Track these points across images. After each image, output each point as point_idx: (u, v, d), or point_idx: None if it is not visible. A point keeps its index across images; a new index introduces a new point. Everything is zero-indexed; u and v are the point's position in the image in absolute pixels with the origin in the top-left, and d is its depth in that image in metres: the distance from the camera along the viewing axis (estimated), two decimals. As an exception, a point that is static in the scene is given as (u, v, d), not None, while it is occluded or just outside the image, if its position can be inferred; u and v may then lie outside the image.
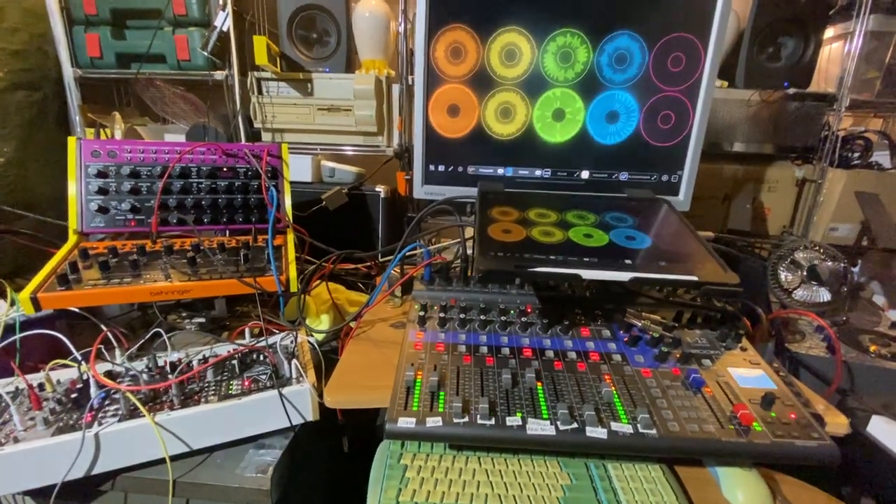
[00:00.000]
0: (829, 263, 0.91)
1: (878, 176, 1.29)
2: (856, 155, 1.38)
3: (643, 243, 0.55)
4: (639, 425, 0.48)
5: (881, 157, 1.40)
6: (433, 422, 0.48)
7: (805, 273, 0.90)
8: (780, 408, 0.52)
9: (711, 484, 0.58)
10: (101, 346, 0.71)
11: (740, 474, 0.57)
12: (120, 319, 0.94)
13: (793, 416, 0.51)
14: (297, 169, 1.14)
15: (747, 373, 0.57)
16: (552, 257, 0.51)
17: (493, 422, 0.48)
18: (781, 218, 1.38)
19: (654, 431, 0.48)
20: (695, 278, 0.46)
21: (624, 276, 0.48)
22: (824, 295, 0.90)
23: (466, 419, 0.48)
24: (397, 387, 0.52)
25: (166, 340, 0.71)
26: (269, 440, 0.68)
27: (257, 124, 1.28)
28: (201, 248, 0.76)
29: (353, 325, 0.76)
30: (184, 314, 0.98)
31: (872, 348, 0.86)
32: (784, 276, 0.90)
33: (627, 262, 0.51)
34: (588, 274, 0.48)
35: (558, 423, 0.48)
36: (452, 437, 0.47)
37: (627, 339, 0.61)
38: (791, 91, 1.31)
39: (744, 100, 1.32)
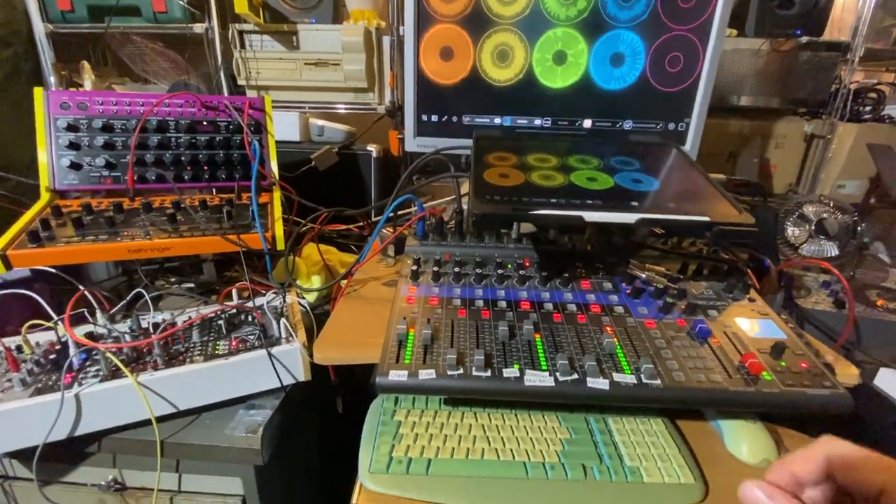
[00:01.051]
0: (838, 217, 0.88)
1: (890, 130, 1.24)
2: (867, 108, 1.33)
3: (651, 186, 0.51)
4: (642, 375, 0.46)
5: (893, 110, 1.34)
6: (426, 374, 0.45)
7: (813, 227, 0.86)
8: (790, 357, 0.49)
9: (714, 437, 0.57)
10: (85, 310, 0.69)
11: (744, 426, 0.55)
12: (106, 284, 0.91)
13: (804, 365, 0.48)
14: (285, 127, 1.09)
15: (756, 323, 0.55)
16: (553, 200, 0.47)
17: (489, 374, 0.45)
18: (788, 175, 1.34)
19: (658, 382, 0.45)
20: (706, 218, 0.43)
21: (630, 217, 0.45)
22: (832, 250, 0.87)
23: (461, 371, 0.46)
24: (389, 340, 0.49)
25: (149, 301, 0.68)
26: (260, 401, 0.66)
27: (241, 81, 1.21)
28: (182, 205, 0.72)
29: (343, 284, 0.73)
30: (172, 279, 0.96)
31: (879, 302, 0.84)
32: (791, 230, 0.87)
33: (634, 204, 0.47)
34: (591, 216, 0.45)
35: (557, 374, 0.46)
36: (447, 390, 0.45)
37: (630, 292, 0.58)
38: (804, 40, 1.24)
39: (753, 49, 1.25)
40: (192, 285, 0.93)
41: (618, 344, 0.49)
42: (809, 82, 1.30)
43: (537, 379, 0.45)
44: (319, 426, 0.80)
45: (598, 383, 0.45)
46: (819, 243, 0.87)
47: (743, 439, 0.55)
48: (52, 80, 1.31)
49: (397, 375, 0.45)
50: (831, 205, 0.88)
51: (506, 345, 0.49)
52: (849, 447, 0.26)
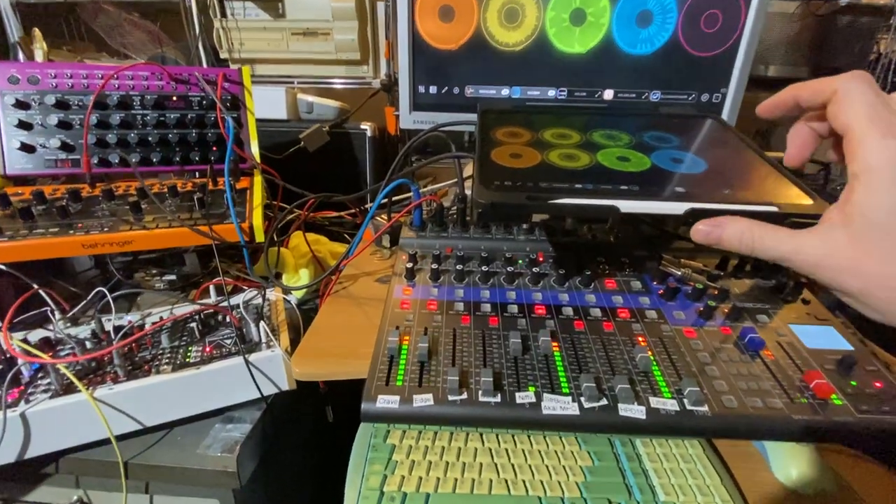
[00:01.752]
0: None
1: (935, 102, 1.13)
2: (909, 80, 1.21)
3: (697, 167, 0.42)
4: (686, 401, 0.38)
5: (939, 81, 1.23)
6: (422, 400, 0.37)
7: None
8: (860, 375, 0.41)
9: (757, 460, 0.49)
10: (50, 309, 0.61)
11: (792, 448, 0.47)
12: (81, 278, 0.83)
13: (878, 384, 0.40)
14: (270, 104, 0.99)
15: (814, 330, 0.46)
16: (577, 186, 0.38)
17: (498, 399, 0.37)
18: (820, 152, 1.23)
19: (705, 408, 0.37)
20: (775, 208, 0.34)
21: (677, 207, 0.36)
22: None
23: (464, 396, 0.37)
24: (377, 356, 0.41)
25: (111, 302, 0.60)
26: (240, 412, 0.59)
27: (223, 54, 1.11)
28: (148, 192, 0.64)
29: (333, 279, 0.64)
30: (154, 272, 0.88)
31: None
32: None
33: (679, 190, 0.38)
34: (627, 206, 0.36)
35: (582, 398, 0.37)
36: (447, 419, 0.37)
37: (663, 292, 0.50)
38: (843, 2, 1.12)
39: (787, 13, 1.13)
40: (173, 278, 0.85)
41: (653, 359, 0.41)
42: (846, 51, 1.18)
43: (558, 405, 0.37)
44: (308, 438, 0.72)
45: (633, 411, 0.37)
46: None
47: (791, 463, 0.47)
48: (20, 55, 1.21)
49: (387, 401, 0.37)
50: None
51: (518, 361, 0.41)
52: (866, 96, 0.28)
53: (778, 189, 0.38)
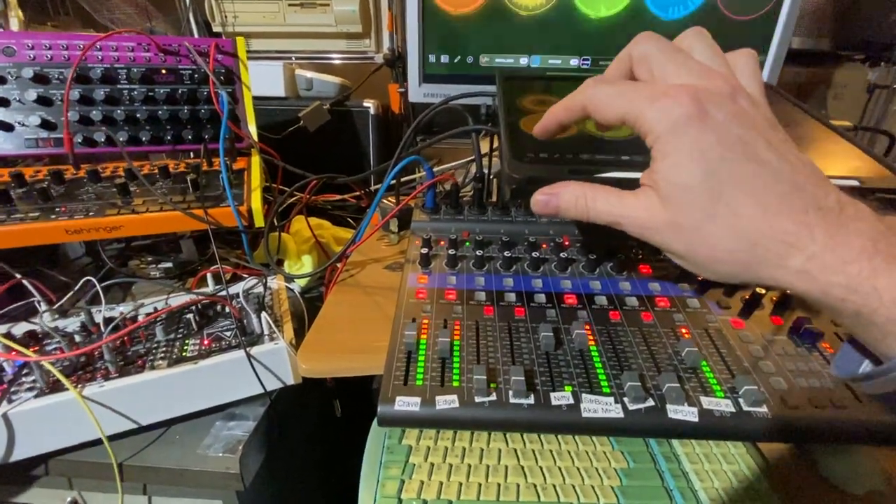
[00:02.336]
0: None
1: (971, 76, 1.07)
2: (942, 52, 1.15)
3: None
4: (742, 401, 0.33)
5: (974, 53, 1.16)
6: (446, 402, 0.33)
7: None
8: (931, 368, 0.37)
9: (803, 459, 0.45)
10: (37, 300, 0.57)
11: (842, 447, 0.44)
12: (72, 267, 0.79)
13: (953, 380, 0.36)
14: (267, 80, 0.93)
15: (873, 320, 0.42)
16: (624, 157, 0.34)
17: (531, 400, 0.33)
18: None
19: (764, 409, 0.33)
20: (855, 182, 0.29)
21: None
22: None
23: (494, 397, 0.33)
24: (394, 351, 0.37)
25: (100, 292, 0.56)
26: (242, 409, 0.55)
27: (216, 27, 1.04)
28: (137, 173, 0.59)
29: (339, 266, 0.60)
30: (149, 259, 0.83)
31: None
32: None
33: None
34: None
35: (626, 399, 0.33)
36: (475, 423, 0.33)
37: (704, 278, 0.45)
38: (877, -34, 1.05)
39: (815, -19, 1.06)
40: (169, 265, 0.81)
41: (702, 353, 0.37)
42: (875, 21, 1.12)
43: (599, 407, 0.33)
44: (315, 433, 0.69)
45: (684, 412, 0.32)
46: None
47: (842, 463, 0.43)
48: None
49: (407, 403, 0.33)
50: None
51: (551, 357, 0.37)
52: (606, 90, 0.29)
53: (852, 161, 0.33)
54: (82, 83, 0.63)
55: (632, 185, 0.29)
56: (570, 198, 0.30)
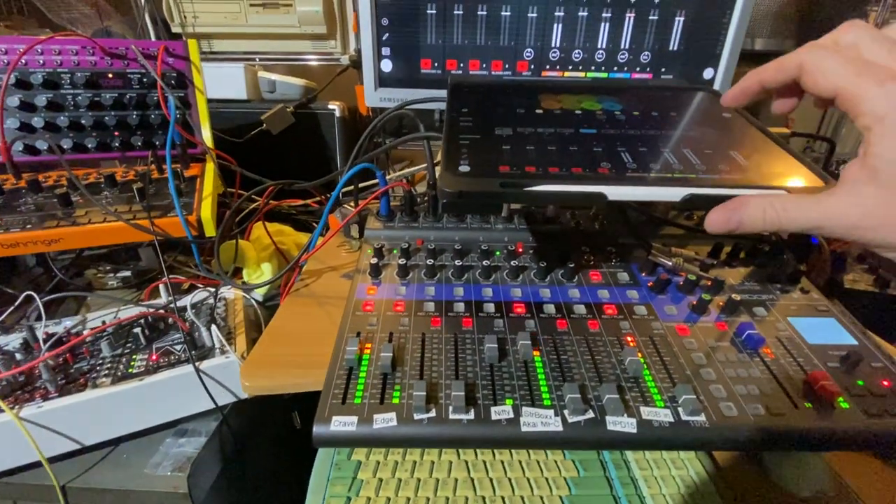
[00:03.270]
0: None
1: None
2: None
3: (692, 145, 0.37)
4: (680, 409, 0.33)
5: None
6: (383, 420, 0.32)
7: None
8: (866, 372, 0.37)
9: (753, 462, 0.46)
10: None
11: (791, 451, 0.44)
12: (26, 278, 0.76)
13: (886, 383, 0.37)
14: (228, 82, 0.91)
15: (815, 323, 0.42)
16: (555, 171, 0.33)
17: (471, 415, 0.33)
18: (807, 130, 1.20)
19: (702, 418, 0.33)
20: (782, 192, 0.29)
21: (672, 192, 0.31)
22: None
23: (433, 413, 0.33)
24: (334, 369, 0.36)
25: (41, 308, 0.54)
26: (195, 424, 0.54)
27: (175, 28, 1.01)
28: (76, 182, 0.56)
29: (293, 276, 0.59)
30: (108, 268, 0.81)
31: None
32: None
33: (674, 172, 0.33)
34: (616, 192, 0.31)
35: (566, 412, 0.33)
36: (413, 441, 0.32)
37: (653, 284, 0.45)
38: (834, -30, 1.07)
39: (776, -17, 1.08)
40: (127, 274, 0.78)
41: (644, 362, 0.37)
42: (835, 23, 1.14)
43: (539, 421, 0.32)
44: (274, 447, 0.67)
45: (622, 424, 0.32)
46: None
47: (789, 466, 0.44)
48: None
49: (343, 423, 0.32)
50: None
51: (494, 369, 0.36)
52: (833, 58, 0.28)
53: (784, 169, 0.33)
54: (22, 88, 0.61)
55: (561, 197, 0.28)
56: (755, 212, 0.29)
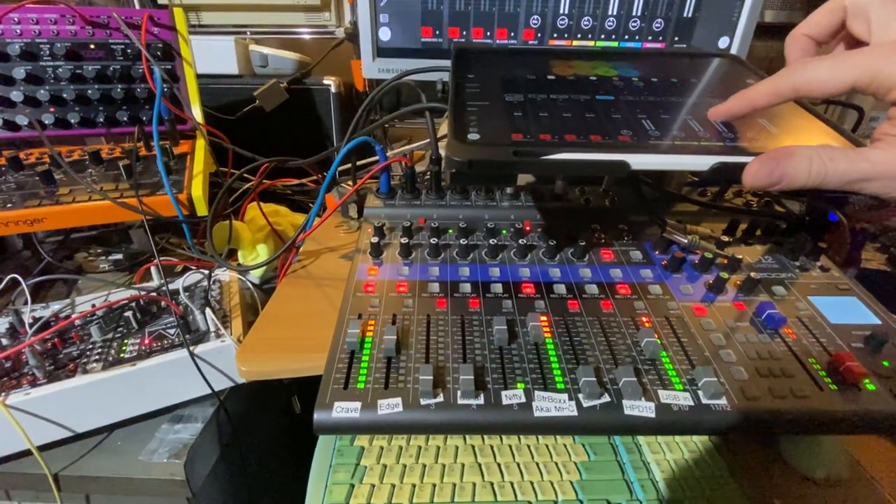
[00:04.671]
0: None
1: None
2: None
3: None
4: (700, 393, 0.32)
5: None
6: (389, 406, 0.30)
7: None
8: (892, 352, 0.36)
9: (767, 445, 0.45)
10: None
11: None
12: (14, 261, 0.74)
13: (912, 363, 0.35)
14: (218, 56, 0.87)
15: (836, 302, 0.41)
16: (572, 139, 0.31)
17: (481, 400, 0.31)
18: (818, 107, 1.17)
19: (723, 401, 0.31)
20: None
21: (699, 161, 0.29)
22: None
23: (440, 398, 0.31)
24: (335, 352, 0.34)
25: (26, 291, 0.51)
26: (191, 410, 0.52)
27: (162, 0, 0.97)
28: (59, 159, 0.53)
29: (290, 257, 0.56)
30: (99, 251, 0.78)
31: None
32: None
33: (701, 140, 0.31)
34: (640, 160, 0.28)
35: (581, 396, 0.31)
36: (419, 427, 0.31)
37: (667, 263, 0.44)
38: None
39: (789, -50, 1.04)
40: (119, 257, 0.76)
41: (661, 344, 0.35)
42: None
43: (552, 405, 0.31)
44: (273, 432, 0.66)
45: (640, 408, 0.31)
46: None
47: (805, 449, 0.43)
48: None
49: (346, 409, 0.30)
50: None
51: (504, 352, 0.34)
52: (825, 66, 0.27)
53: (816, 135, 0.31)
54: (-1, 60, 0.57)
55: (580, 166, 0.26)
56: (801, 163, 0.27)
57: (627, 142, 0.30)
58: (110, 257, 0.76)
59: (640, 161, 0.28)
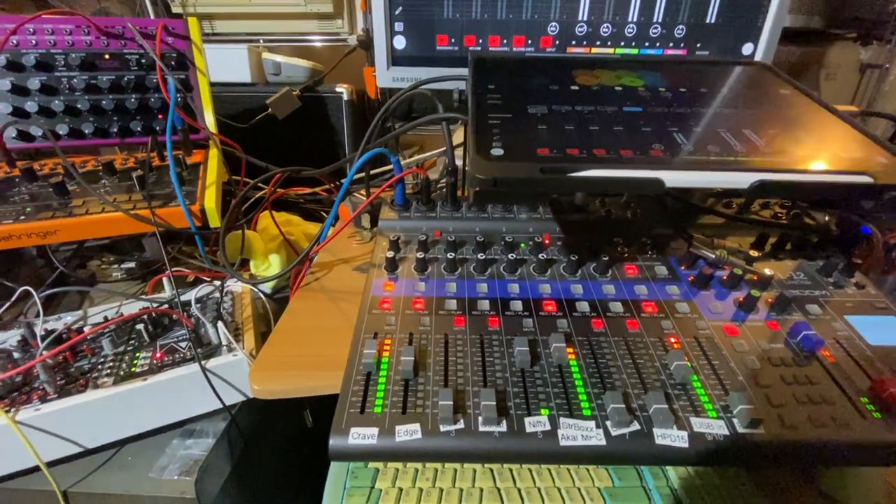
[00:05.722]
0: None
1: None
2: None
3: (753, 125, 0.33)
4: (736, 421, 0.30)
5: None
6: (407, 432, 0.29)
7: None
8: (938, 377, 0.34)
9: (799, 471, 0.43)
10: None
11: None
12: (27, 270, 0.74)
13: (960, 389, 0.33)
14: (232, 65, 0.87)
15: (874, 321, 0.39)
16: (608, 154, 0.29)
17: (503, 427, 0.30)
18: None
19: (760, 430, 0.30)
20: (867, 178, 0.25)
21: (739, 178, 0.27)
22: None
23: (461, 425, 0.30)
24: (351, 374, 0.33)
25: (38, 304, 0.51)
26: (202, 424, 0.51)
27: (176, 8, 0.97)
28: (72, 170, 0.53)
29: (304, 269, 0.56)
30: (112, 259, 0.78)
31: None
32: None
33: (738, 156, 0.29)
34: (674, 178, 0.27)
35: (608, 423, 0.30)
36: (440, 455, 0.29)
37: (694, 279, 0.42)
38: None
39: (810, -46, 1.02)
40: (132, 266, 0.76)
41: (691, 367, 0.33)
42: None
43: (579, 433, 0.29)
44: (284, 447, 0.65)
45: (672, 437, 0.29)
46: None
47: (844, 480, 0.41)
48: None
49: (363, 436, 0.29)
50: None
51: (526, 374, 0.33)
52: None
53: (864, 153, 0.29)
54: (14, 71, 0.57)
55: (612, 184, 0.25)
56: None
57: (660, 157, 0.28)
58: (123, 266, 0.76)
59: (675, 178, 0.27)
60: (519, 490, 0.38)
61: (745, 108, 0.35)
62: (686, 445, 0.29)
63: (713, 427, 0.30)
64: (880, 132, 0.80)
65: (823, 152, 0.29)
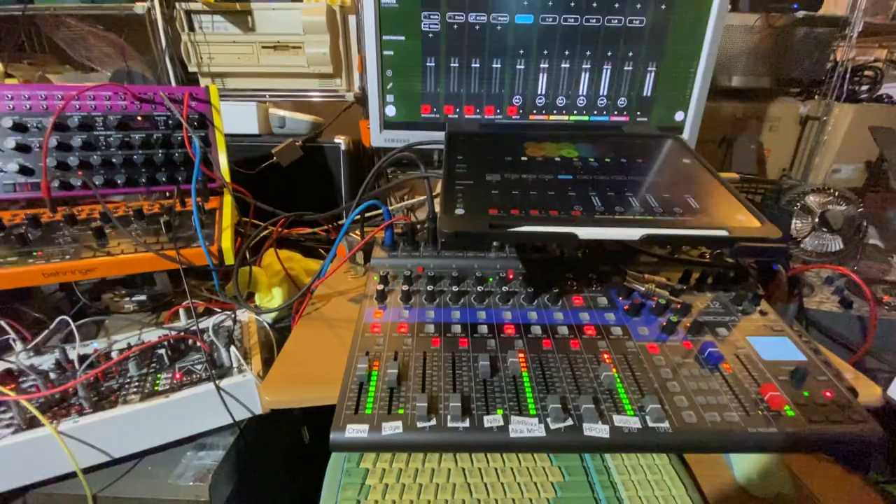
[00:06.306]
0: (842, 208, 0.82)
1: (889, 110, 1.19)
2: (864, 88, 1.27)
3: (654, 189, 0.43)
4: (647, 418, 0.39)
5: (891, 89, 1.29)
6: (391, 428, 0.37)
7: (817, 219, 0.80)
8: (812, 385, 0.43)
9: (722, 467, 0.51)
10: (12, 338, 0.59)
11: (756, 457, 0.49)
12: (46, 302, 0.81)
13: (828, 394, 0.42)
14: (241, 118, 0.98)
15: (770, 342, 0.48)
16: (536, 213, 0.39)
17: (467, 423, 0.38)
18: (782, 160, 1.28)
19: (665, 424, 0.38)
20: (724, 232, 0.35)
21: (632, 233, 0.37)
22: (836, 244, 0.81)
23: (433, 422, 0.38)
24: (347, 384, 0.41)
25: (74, 331, 0.59)
26: (212, 439, 0.58)
27: (192, 68, 1.09)
28: (110, 215, 0.62)
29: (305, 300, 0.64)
30: (123, 292, 0.86)
31: (885, 298, 0.78)
32: (794, 223, 0.81)
33: (636, 213, 0.39)
34: (586, 232, 0.37)
35: (549, 420, 0.38)
36: (416, 446, 0.37)
37: (628, 308, 0.51)
38: (801, 14, 1.17)
39: (747, 25, 1.17)
40: (143, 298, 0.83)
41: (617, 377, 0.42)
42: (805, 60, 1.23)
43: (525, 428, 0.38)
44: (285, 460, 0.72)
45: (597, 430, 0.38)
46: (822, 237, 0.81)
47: (752, 467, 0.49)
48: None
49: (356, 430, 0.37)
50: (835, 194, 0.82)
51: (487, 383, 0.42)
52: None
53: (729, 212, 0.40)
54: (60, 130, 0.67)
55: (540, 237, 0.34)
56: None
57: (578, 216, 0.38)
58: (134, 298, 0.83)
59: (586, 232, 0.36)
60: (485, 484, 0.46)
61: (653, 175, 0.45)
62: (607, 436, 0.38)
63: (629, 422, 0.38)
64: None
65: (700, 212, 0.39)
